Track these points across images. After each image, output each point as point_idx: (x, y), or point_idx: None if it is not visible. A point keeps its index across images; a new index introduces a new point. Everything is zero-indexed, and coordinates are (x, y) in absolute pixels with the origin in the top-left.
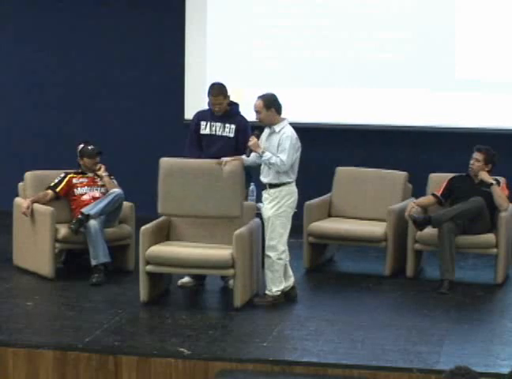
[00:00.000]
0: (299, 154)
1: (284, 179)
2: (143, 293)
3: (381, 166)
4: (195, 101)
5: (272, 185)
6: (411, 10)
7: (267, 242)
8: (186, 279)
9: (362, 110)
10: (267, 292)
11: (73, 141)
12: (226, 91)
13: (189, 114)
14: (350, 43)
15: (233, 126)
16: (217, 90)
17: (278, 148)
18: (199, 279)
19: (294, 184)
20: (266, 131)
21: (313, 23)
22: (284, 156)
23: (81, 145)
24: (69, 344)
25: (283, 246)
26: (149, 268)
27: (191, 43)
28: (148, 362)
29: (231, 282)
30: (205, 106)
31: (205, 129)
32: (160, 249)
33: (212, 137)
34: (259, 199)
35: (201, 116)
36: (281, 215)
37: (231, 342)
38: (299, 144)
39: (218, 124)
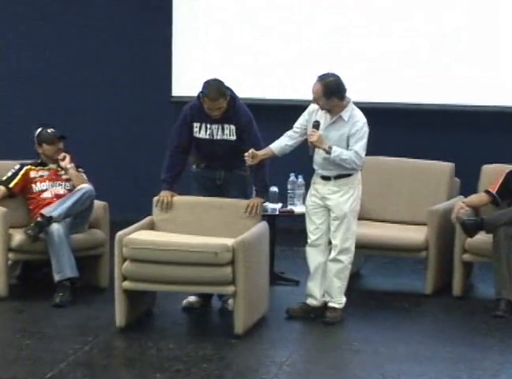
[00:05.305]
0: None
1: None
2: (119, 316)
3: (420, 155)
4: (183, 77)
5: (342, 175)
6: None
7: (340, 244)
8: (193, 298)
9: (391, 88)
10: (335, 305)
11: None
12: (224, 89)
13: (177, 91)
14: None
15: (233, 127)
16: (215, 92)
17: (351, 139)
18: (205, 299)
19: None
20: (326, 117)
21: (312, 15)
22: (358, 147)
23: (39, 129)
24: None
25: (354, 248)
26: (127, 284)
27: (179, 17)
28: None
29: (230, 302)
30: (195, 92)
31: (200, 132)
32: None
33: (210, 142)
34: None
35: (194, 115)
36: (355, 209)
37: (231, 378)
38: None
39: (215, 126)
